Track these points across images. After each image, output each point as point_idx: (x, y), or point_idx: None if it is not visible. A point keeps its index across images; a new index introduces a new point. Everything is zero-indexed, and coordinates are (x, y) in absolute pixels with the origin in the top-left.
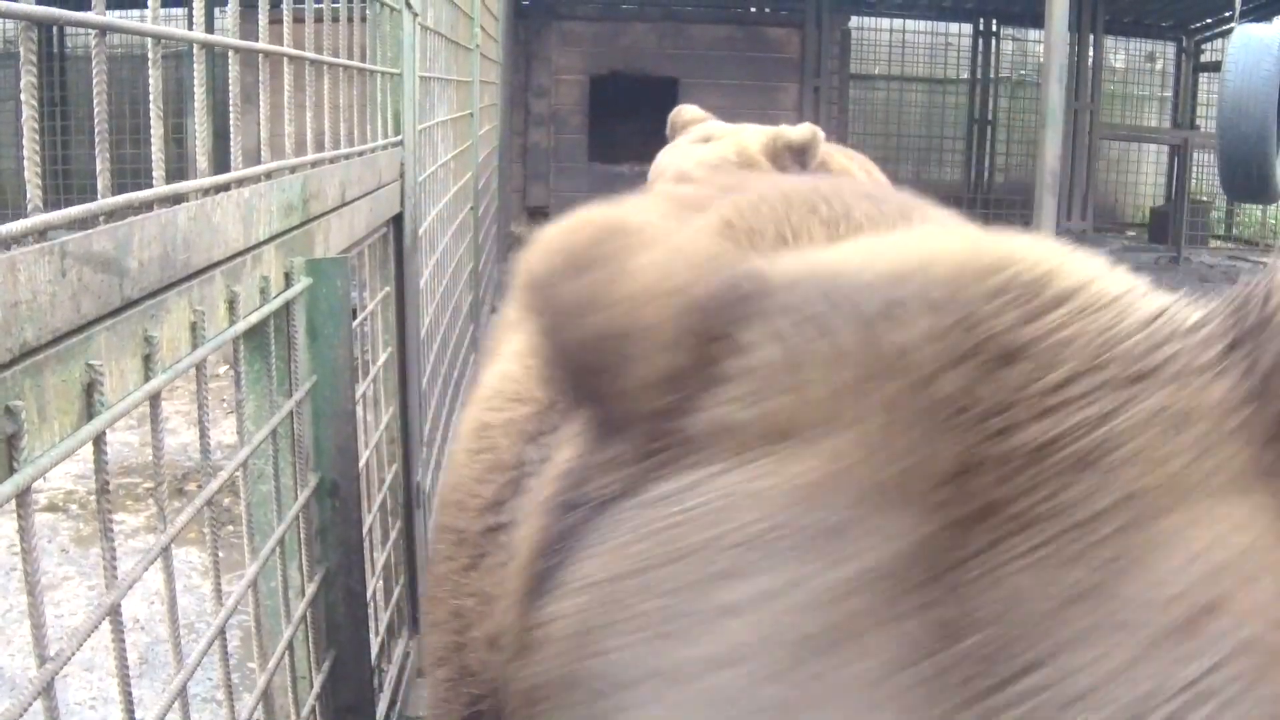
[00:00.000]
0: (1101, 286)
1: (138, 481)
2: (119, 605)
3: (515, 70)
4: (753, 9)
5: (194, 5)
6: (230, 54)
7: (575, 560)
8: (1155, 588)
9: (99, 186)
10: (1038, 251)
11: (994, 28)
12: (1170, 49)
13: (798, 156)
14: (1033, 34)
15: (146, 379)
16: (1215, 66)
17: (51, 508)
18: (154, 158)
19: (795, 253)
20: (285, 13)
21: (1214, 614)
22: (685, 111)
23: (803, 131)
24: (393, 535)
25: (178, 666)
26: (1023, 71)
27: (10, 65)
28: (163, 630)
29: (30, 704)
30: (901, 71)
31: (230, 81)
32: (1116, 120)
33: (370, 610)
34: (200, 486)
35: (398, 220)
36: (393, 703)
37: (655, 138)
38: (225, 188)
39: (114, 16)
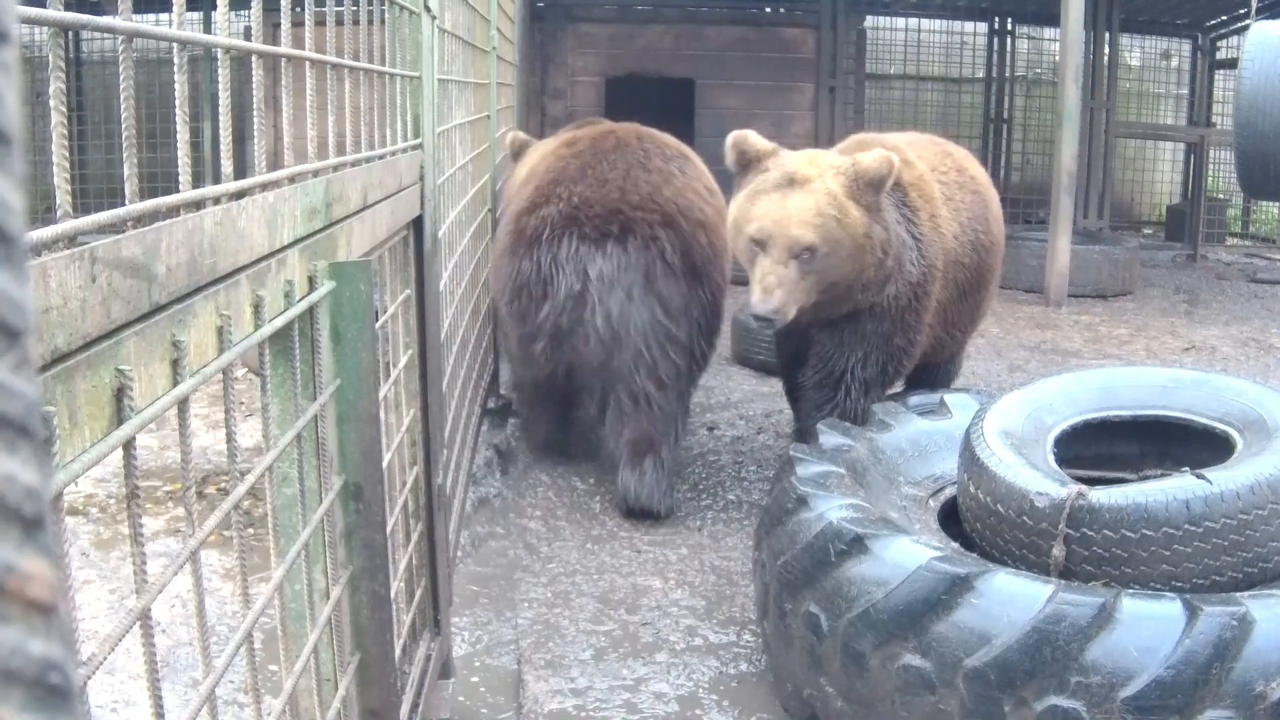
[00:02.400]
0: None
1: (157, 485)
2: (149, 610)
3: (531, 73)
4: (768, 9)
5: (216, 10)
6: (253, 59)
7: None
8: None
9: (126, 192)
10: None
11: (1009, 26)
12: (1186, 46)
13: (874, 188)
14: (1048, 33)
15: (175, 383)
16: (1231, 64)
17: (71, 511)
18: (180, 162)
19: None
20: (307, 16)
21: None
22: (750, 139)
23: (879, 164)
24: (414, 537)
25: (206, 670)
26: (1038, 70)
27: (25, 70)
28: (183, 633)
29: None
30: (917, 71)
31: (254, 86)
32: (1133, 118)
33: (393, 612)
34: (221, 489)
35: (418, 223)
36: (414, 705)
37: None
38: (250, 192)
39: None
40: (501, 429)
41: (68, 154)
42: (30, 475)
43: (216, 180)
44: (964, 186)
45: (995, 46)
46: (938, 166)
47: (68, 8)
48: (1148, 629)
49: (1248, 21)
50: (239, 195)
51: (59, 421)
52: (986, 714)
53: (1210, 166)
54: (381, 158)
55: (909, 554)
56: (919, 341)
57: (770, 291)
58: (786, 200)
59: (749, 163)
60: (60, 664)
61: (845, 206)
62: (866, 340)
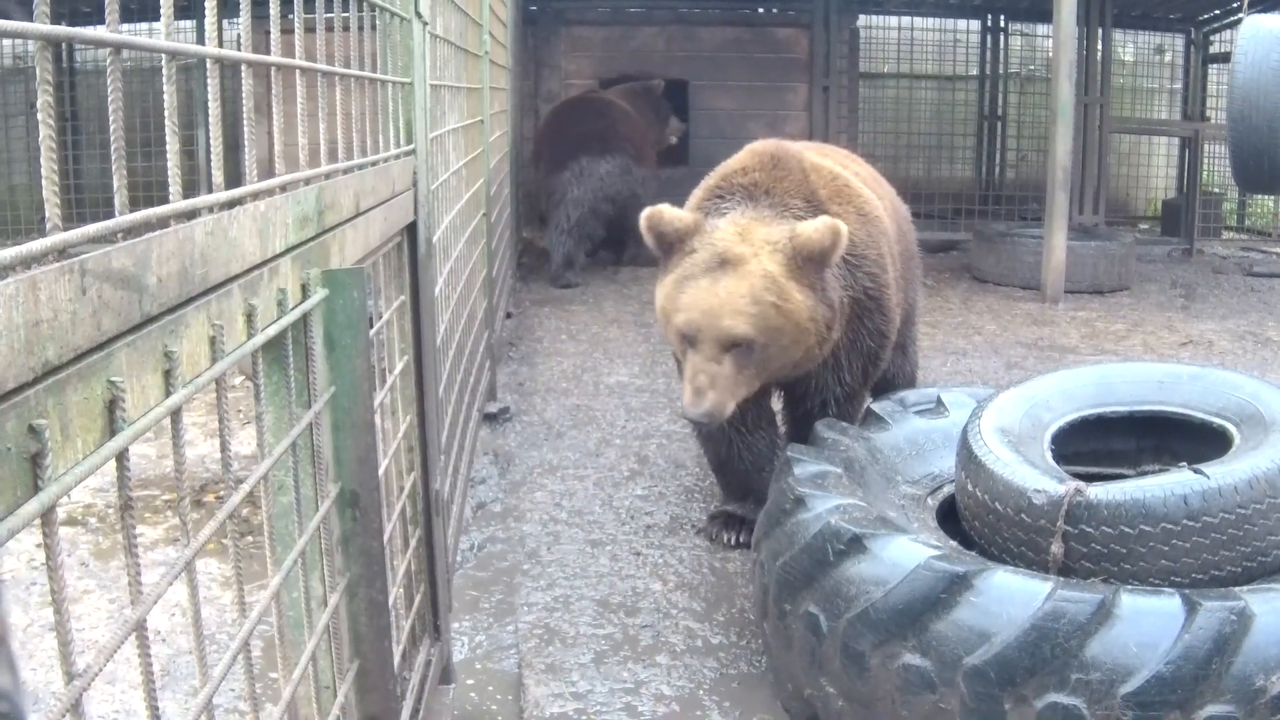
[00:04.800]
0: None
1: (155, 494)
2: (145, 620)
3: (524, 76)
4: (760, 10)
5: (206, 18)
6: (243, 67)
7: None
8: None
9: (116, 203)
10: None
11: (1002, 23)
12: (1179, 41)
13: (818, 264)
14: (1041, 29)
15: (167, 394)
16: (1224, 58)
17: (70, 521)
18: (170, 173)
19: None
20: (297, 24)
21: None
22: (665, 218)
23: (821, 235)
24: (412, 543)
25: (203, 679)
26: (1032, 67)
27: (19, 80)
28: (183, 642)
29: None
30: (911, 69)
31: (244, 95)
32: (1126, 114)
33: (392, 619)
34: (219, 497)
35: (411, 229)
36: (415, 711)
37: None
38: (241, 201)
39: (127, 31)
40: (500, 434)
41: (56, 166)
42: None
43: (210, 188)
44: (867, 176)
45: (988, 44)
46: (843, 162)
47: (57, 17)
48: (1147, 625)
49: (1240, 15)
50: (230, 205)
51: (50, 434)
52: (987, 712)
53: (1205, 160)
54: (374, 164)
55: (907, 553)
56: (891, 330)
57: (702, 393)
58: (717, 286)
59: (670, 244)
60: (8, 694)
61: (785, 289)
62: (839, 358)
